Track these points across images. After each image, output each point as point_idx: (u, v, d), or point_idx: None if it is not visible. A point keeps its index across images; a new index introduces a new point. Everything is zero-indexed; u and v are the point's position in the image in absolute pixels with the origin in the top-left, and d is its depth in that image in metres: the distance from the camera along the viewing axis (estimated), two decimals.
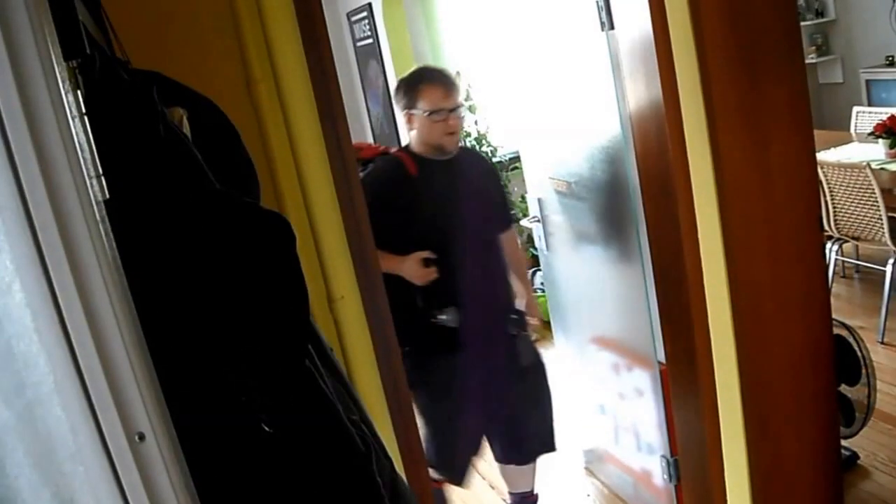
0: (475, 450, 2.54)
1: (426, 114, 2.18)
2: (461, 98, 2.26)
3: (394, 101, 2.34)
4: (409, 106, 2.23)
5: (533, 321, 2.54)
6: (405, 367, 2.19)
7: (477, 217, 2.31)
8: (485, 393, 2.38)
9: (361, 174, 2.18)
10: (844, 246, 4.20)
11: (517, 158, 3.90)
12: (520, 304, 2.52)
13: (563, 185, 2.73)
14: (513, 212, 2.53)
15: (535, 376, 2.51)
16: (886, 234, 3.60)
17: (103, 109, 0.83)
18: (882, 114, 4.24)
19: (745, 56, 2.00)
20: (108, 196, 0.77)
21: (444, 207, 2.26)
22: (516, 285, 2.51)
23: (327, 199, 1.70)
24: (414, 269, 2.21)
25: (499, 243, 2.44)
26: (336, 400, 1.06)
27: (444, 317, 2.26)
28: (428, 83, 2.21)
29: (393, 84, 4.73)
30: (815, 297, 2.26)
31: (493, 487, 3.11)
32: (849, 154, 4.03)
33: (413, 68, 2.40)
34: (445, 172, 2.29)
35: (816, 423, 2.35)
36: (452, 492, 2.63)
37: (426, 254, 2.21)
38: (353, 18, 4.97)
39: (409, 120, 2.25)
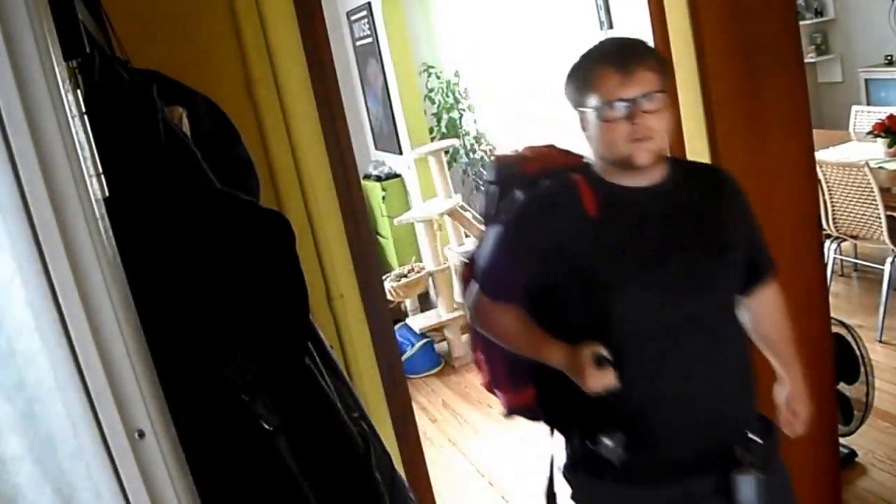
0: None
1: (595, 111, 1.35)
2: (661, 81, 1.35)
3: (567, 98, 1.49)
4: (579, 102, 1.40)
5: (796, 424, 1.64)
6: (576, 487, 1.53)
7: (702, 282, 1.42)
8: None
9: (521, 200, 1.47)
10: (843, 244, 4.20)
11: None
12: (779, 396, 1.62)
13: None
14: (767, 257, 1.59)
15: None
16: (885, 233, 3.60)
17: (103, 108, 0.84)
18: (881, 113, 4.23)
19: (745, 56, 2.00)
20: (107, 194, 0.78)
21: (642, 271, 1.38)
22: (777, 367, 1.59)
23: (327, 198, 1.70)
24: (581, 368, 1.34)
25: (734, 317, 1.50)
26: (336, 398, 1.07)
27: (609, 443, 1.38)
28: (599, 66, 1.37)
29: (392, 83, 4.76)
30: (814, 296, 2.26)
31: (491, 485, 3.11)
32: (848, 153, 4.03)
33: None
34: (645, 209, 1.40)
35: (815, 421, 2.34)
36: (448, 489, 2.56)
37: (600, 349, 1.34)
38: (353, 18, 4.97)
39: (583, 124, 1.42)
